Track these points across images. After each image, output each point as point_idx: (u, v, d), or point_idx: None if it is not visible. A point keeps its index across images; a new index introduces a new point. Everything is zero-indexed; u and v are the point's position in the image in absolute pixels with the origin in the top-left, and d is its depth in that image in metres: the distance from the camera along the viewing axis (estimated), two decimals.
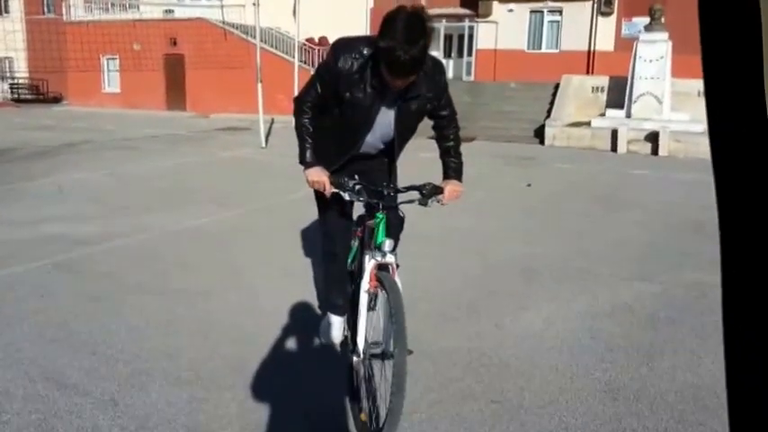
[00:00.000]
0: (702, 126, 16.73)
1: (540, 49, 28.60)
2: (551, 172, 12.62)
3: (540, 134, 18.41)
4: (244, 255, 6.10)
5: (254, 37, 16.61)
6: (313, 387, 3.50)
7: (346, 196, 3.13)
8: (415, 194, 3.20)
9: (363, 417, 3.02)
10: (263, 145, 15.50)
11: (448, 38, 31.19)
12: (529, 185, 10.59)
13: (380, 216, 3.13)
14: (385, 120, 3.17)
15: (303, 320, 4.44)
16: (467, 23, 29.71)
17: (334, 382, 3.49)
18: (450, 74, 30.40)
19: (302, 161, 3.19)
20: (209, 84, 26.65)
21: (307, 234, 6.64)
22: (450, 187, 3.23)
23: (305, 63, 24.30)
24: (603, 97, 20.31)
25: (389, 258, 3.08)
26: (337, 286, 3.63)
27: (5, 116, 24.10)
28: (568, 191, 10.47)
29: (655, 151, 16.17)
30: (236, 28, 25.97)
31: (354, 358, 3.10)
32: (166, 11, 29.05)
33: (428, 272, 5.58)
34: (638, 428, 3.11)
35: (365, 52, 2.98)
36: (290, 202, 8.57)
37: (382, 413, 2.86)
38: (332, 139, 3.27)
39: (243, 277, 5.39)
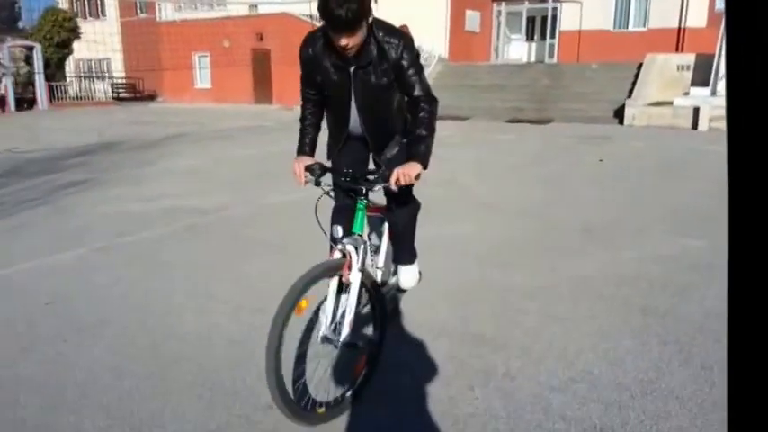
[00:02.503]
0: None
1: (627, 27, 27.84)
2: (625, 149, 13.13)
3: (619, 114, 18.57)
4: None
5: None
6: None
7: (311, 182, 3.17)
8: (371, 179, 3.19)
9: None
10: None
11: (530, 20, 31.12)
12: (601, 161, 11.20)
13: (360, 204, 3.23)
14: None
15: None
16: (550, 4, 29.38)
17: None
18: (532, 57, 30.53)
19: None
20: (294, 77, 27.71)
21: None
22: (400, 170, 3.00)
23: None
24: (689, 76, 20.11)
25: (341, 246, 3.04)
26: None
27: (109, 113, 26.01)
28: (638, 165, 11.02)
29: None
30: (318, 20, 26.89)
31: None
32: (252, 7, 30.27)
33: (501, 230, 6.53)
34: (662, 333, 3.87)
35: (319, 34, 3.22)
36: None
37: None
38: (331, 124, 3.55)
39: None
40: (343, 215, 3.42)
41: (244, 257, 5.70)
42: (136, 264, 5.61)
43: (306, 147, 3.44)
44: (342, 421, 3.00)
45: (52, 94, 31.07)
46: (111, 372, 3.54)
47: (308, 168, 3.19)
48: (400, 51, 3.19)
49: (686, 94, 18.68)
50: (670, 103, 18.19)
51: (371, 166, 3.64)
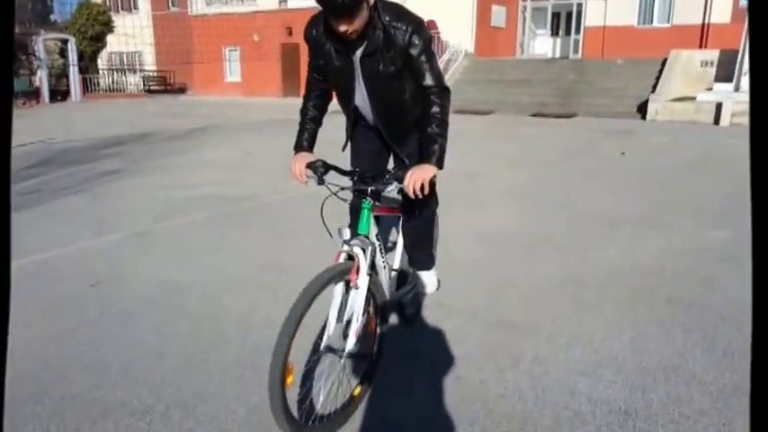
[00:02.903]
0: None
1: (652, 23, 27.83)
2: (647, 143, 13.20)
3: (642, 110, 18.64)
4: None
5: None
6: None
7: (313, 181, 3.03)
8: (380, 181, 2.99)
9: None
10: None
11: (555, 16, 31.11)
12: (623, 154, 11.28)
13: (365, 204, 3.04)
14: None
15: None
16: (575, 0, 29.41)
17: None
18: (557, 53, 30.51)
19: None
20: None
21: None
22: (413, 175, 2.84)
23: None
24: (712, 71, 20.14)
25: (346, 248, 2.90)
26: None
27: (141, 105, 26.42)
28: (659, 159, 11.12)
29: None
30: None
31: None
32: (281, 1, 30.48)
33: (527, 221, 6.66)
34: (686, 322, 3.99)
35: (321, 17, 3.01)
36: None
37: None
38: (342, 108, 3.34)
39: None
40: (359, 215, 3.12)
41: (276, 243, 5.91)
42: (172, 248, 5.83)
43: (304, 142, 3.32)
44: (373, 404, 3.13)
45: (85, 86, 31.60)
46: (153, 352, 3.71)
47: (309, 166, 3.06)
48: (408, 37, 2.94)
49: (709, 89, 18.64)
50: (693, 99, 18.22)
51: (390, 159, 3.60)
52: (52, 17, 39.01)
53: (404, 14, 2.98)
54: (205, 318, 4.19)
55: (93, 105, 27.29)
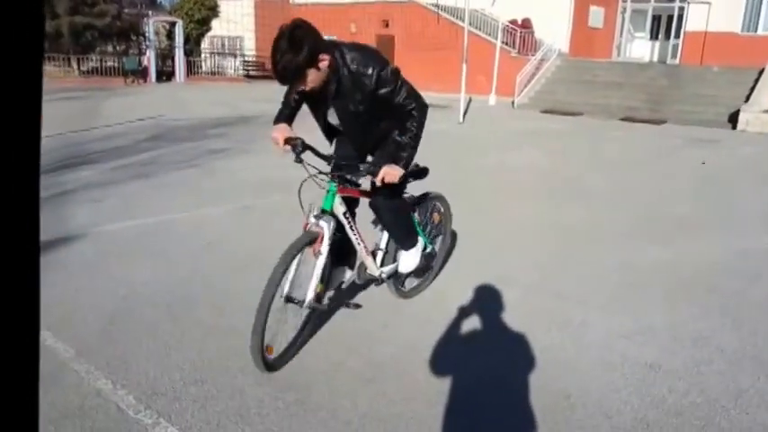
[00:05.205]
0: None
1: (756, 31, 26.93)
2: (732, 154, 13.21)
3: (733, 119, 18.28)
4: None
5: (461, 19, 18.09)
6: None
7: (292, 157, 3.48)
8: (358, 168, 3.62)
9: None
10: (461, 120, 17.23)
11: (656, 19, 30.55)
12: (703, 163, 11.44)
13: (331, 186, 3.61)
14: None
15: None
16: (677, 4, 28.64)
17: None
18: (654, 56, 30.08)
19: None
20: (415, 64, 28.38)
21: (491, 184, 8.22)
22: (385, 169, 3.44)
23: (507, 44, 25.24)
24: None
25: (313, 221, 3.52)
26: None
27: (241, 89, 27.72)
28: (741, 170, 11.23)
29: None
30: (443, 10, 27.51)
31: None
32: None
33: (599, 216, 7.23)
34: (723, 306, 4.54)
35: None
36: (476, 165, 10.29)
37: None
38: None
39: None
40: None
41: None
42: (275, 220, 6.59)
43: (283, 117, 3.72)
44: (449, 346, 3.81)
45: (188, 68, 33.17)
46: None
47: (288, 141, 3.49)
48: (374, 81, 3.32)
49: None
50: None
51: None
52: (159, 0, 40.88)
53: (368, 57, 3.37)
54: None
55: (197, 87, 28.71)
